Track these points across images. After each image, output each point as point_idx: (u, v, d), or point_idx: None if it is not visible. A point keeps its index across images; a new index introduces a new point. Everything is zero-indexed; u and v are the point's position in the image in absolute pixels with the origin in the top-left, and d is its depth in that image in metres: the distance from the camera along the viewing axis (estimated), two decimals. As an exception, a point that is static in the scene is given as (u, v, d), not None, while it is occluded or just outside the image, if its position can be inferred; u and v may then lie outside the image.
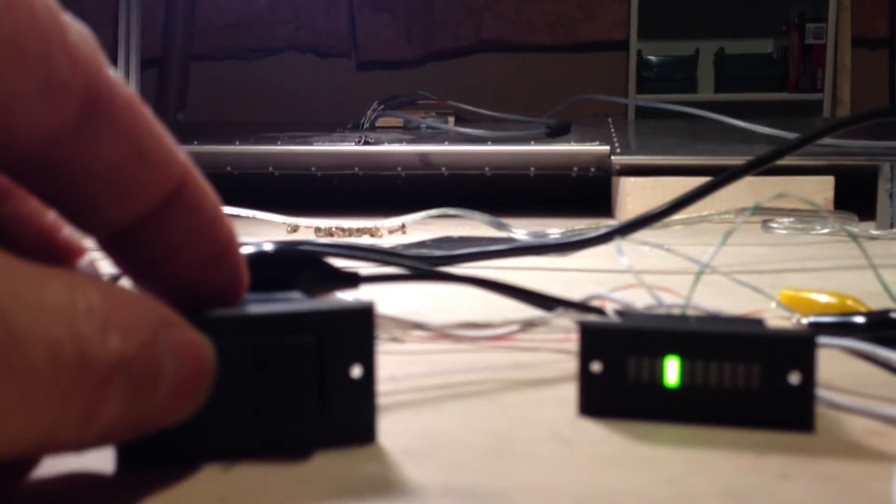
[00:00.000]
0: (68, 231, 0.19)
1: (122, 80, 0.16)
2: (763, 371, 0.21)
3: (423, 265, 0.40)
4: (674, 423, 0.22)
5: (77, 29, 0.16)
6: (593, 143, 1.05)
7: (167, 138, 0.17)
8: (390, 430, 0.21)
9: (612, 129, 1.17)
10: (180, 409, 0.17)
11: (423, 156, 1.04)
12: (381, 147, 1.10)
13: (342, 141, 1.12)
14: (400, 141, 1.11)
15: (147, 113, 0.17)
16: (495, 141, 1.09)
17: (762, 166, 0.50)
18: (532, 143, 1.08)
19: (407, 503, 0.17)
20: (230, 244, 0.19)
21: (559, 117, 1.24)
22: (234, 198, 0.69)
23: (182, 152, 0.18)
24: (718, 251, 0.30)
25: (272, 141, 1.11)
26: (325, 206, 1.02)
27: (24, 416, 0.14)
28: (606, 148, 1.03)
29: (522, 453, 0.20)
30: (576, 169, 1.05)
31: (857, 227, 0.73)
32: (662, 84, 2.51)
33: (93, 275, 0.19)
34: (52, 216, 0.19)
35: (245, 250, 0.25)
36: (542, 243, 0.51)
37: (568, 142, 1.08)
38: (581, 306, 0.31)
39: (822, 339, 0.26)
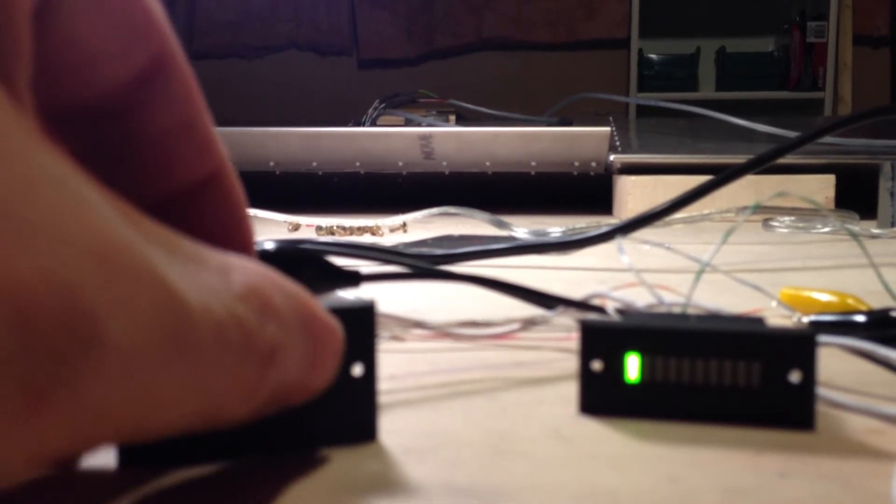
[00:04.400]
0: None
1: (184, 55, 0.17)
2: (764, 369, 0.21)
3: (424, 264, 0.40)
4: (674, 421, 0.22)
5: None
6: (594, 126, 1.05)
7: (212, 126, 0.18)
8: (391, 428, 0.21)
9: (613, 128, 1.17)
10: (315, 389, 0.17)
11: (425, 139, 1.04)
12: (383, 129, 1.10)
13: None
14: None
15: (200, 94, 0.17)
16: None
17: (763, 165, 0.50)
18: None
19: (408, 501, 0.17)
20: (249, 244, 0.19)
21: (560, 115, 1.24)
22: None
23: (222, 145, 0.18)
24: (719, 250, 0.30)
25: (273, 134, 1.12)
26: (326, 205, 1.02)
27: (197, 392, 0.13)
28: (607, 129, 1.03)
29: (523, 452, 0.20)
30: (577, 164, 1.05)
31: (858, 226, 0.73)
32: (663, 82, 2.51)
33: (241, 256, 0.20)
34: None
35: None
36: (543, 242, 0.51)
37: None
38: (582, 305, 0.31)
39: (823, 338, 0.26)
